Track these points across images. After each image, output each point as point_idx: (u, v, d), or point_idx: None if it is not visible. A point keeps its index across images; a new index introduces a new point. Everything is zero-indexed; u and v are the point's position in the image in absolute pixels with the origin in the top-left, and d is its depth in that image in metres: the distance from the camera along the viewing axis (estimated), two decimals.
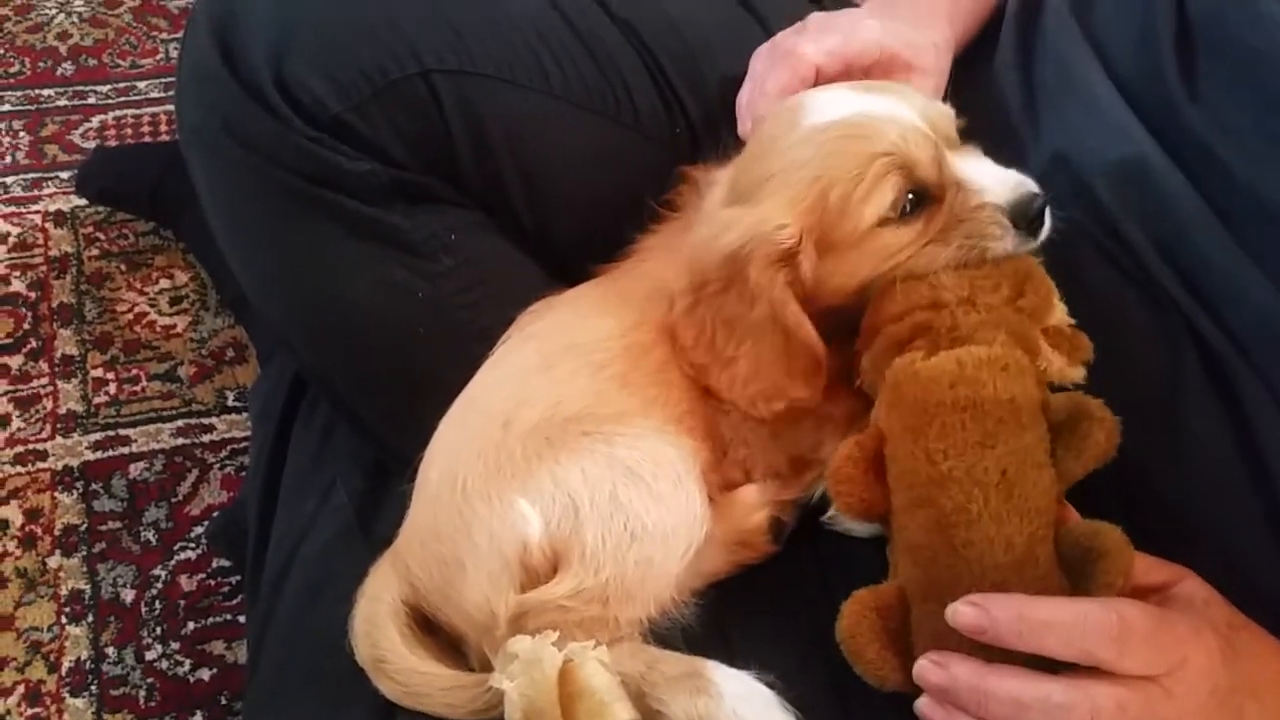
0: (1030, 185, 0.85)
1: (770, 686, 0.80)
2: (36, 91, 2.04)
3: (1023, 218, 0.84)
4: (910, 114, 0.85)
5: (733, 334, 0.87)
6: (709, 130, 1.05)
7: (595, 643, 0.79)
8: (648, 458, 0.85)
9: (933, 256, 0.85)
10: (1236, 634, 0.76)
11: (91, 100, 2.04)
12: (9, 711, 1.26)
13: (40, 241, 1.77)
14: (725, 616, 0.88)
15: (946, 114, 0.89)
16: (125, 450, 1.52)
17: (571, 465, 0.84)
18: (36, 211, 1.82)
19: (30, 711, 1.27)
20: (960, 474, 0.76)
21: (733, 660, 0.82)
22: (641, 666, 0.80)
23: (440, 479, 0.89)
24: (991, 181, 0.85)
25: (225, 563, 1.40)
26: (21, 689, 1.29)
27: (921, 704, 0.76)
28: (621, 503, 0.83)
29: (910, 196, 0.85)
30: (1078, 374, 0.82)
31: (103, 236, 1.79)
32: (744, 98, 1.00)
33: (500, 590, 0.84)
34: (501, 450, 0.86)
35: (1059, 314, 0.84)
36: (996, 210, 0.84)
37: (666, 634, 0.86)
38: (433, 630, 0.89)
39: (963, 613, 0.73)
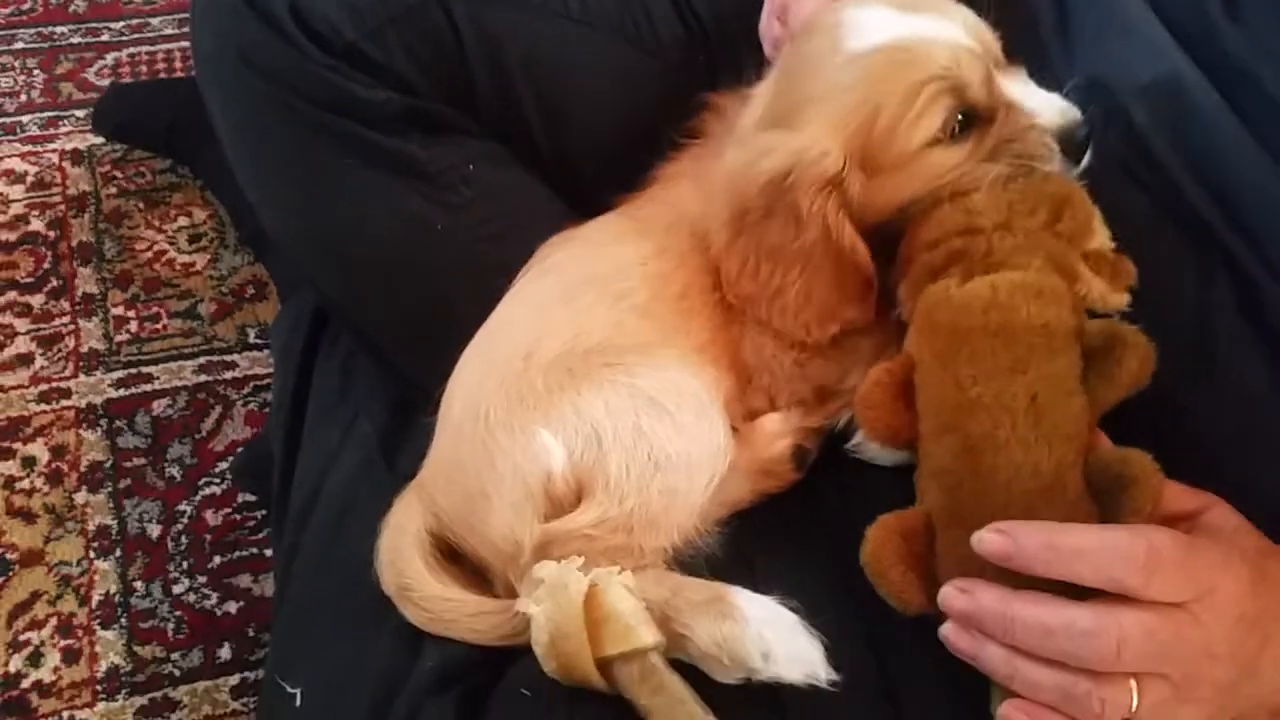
0: (1076, 112, 0.84)
1: (794, 611, 0.80)
2: (50, 29, 2.02)
3: (1070, 143, 0.84)
4: (960, 34, 0.84)
5: (779, 262, 0.86)
6: (730, 55, 1.03)
7: (620, 568, 0.79)
8: (671, 388, 0.85)
9: (982, 172, 0.84)
10: (1266, 561, 0.75)
11: (105, 37, 2.02)
12: (44, 643, 1.28)
13: (58, 180, 1.77)
14: (749, 545, 0.88)
15: (991, 33, 0.87)
16: (148, 388, 1.53)
17: (594, 396, 0.84)
18: (53, 150, 1.81)
19: (64, 643, 1.28)
20: (989, 400, 0.76)
21: (757, 588, 0.82)
22: (666, 593, 0.80)
23: (463, 411, 0.89)
24: (1042, 104, 0.84)
25: (250, 497, 1.41)
26: (54, 621, 1.30)
27: (947, 630, 0.76)
28: (644, 432, 0.83)
29: (960, 117, 0.83)
30: (1121, 300, 0.81)
31: (120, 174, 1.78)
32: (765, 25, 0.98)
33: (524, 520, 0.84)
34: (523, 381, 0.86)
35: (1101, 239, 0.82)
36: (1046, 133, 0.83)
37: (691, 562, 0.86)
38: (457, 560, 0.89)
39: (989, 540, 0.72)
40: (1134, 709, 0.70)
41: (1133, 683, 0.70)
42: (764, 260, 0.86)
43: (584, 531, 0.82)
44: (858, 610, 0.82)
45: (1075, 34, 0.98)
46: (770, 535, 0.89)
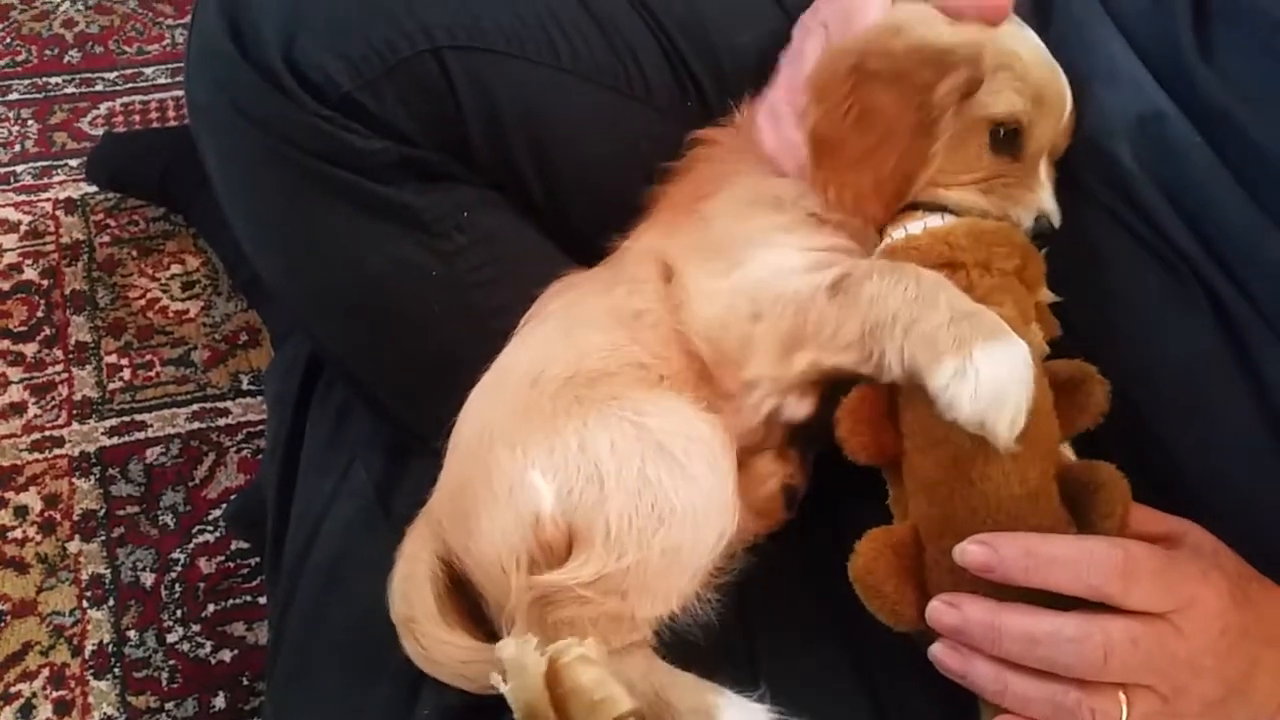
0: (1052, 220, 0.88)
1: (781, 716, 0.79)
2: (44, 80, 2.04)
3: (1038, 231, 0.88)
4: (1069, 104, 0.90)
5: (870, 123, 0.86)
6: (721, 101, 1.04)
7: (578, 640, 0.76)
8: (681, 433, 0.82)
9: (969, 199, 0.87)
10: (1248, 583, 0.77)
11: (99, 87, 2.04)
12: (35, 694, 1.27)
13: (52, 229, 1.78)
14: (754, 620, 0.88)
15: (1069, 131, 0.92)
16: (141, 435, 1.53)
17: (599, 431, 0.82)
18: (47, 199, 1.82)
19: (56, 694, 1.28)
20: None
21: (753, 658, 0.82)
22: (651, 693, 0.78)
23: (470, 435, 0.89)
24: (1049, 191, 0.89)
25: (243, 545, 1.41)
26: (46, 672, 1.30)
27: (936, 650, 0.76)
28: (650, 480, 0.80)
29: (1012, 131, 0.87)
30: (1044, 347, 0.84)
31: (114, 223, 1.79)
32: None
33: (511, 546, 0.82)
34: (530, 403, 0.85)
35: (1045, 290, 0.87)
36: (1037, 206, 0.88)
37: (687, 631, 0.84)
38: (464, 590, 0.88)
39: (971, 551, 0.73)
40: None
41: (1121, 694, 0.72)
42: (858, 114, 0.86)
43: (578, 592, 0.79)
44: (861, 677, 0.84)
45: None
46: (773, 612, 0.89)
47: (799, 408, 0.86)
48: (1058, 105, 0.89)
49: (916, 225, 0.86)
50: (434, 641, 0.85)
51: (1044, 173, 0.89)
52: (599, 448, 0.81)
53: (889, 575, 0.78)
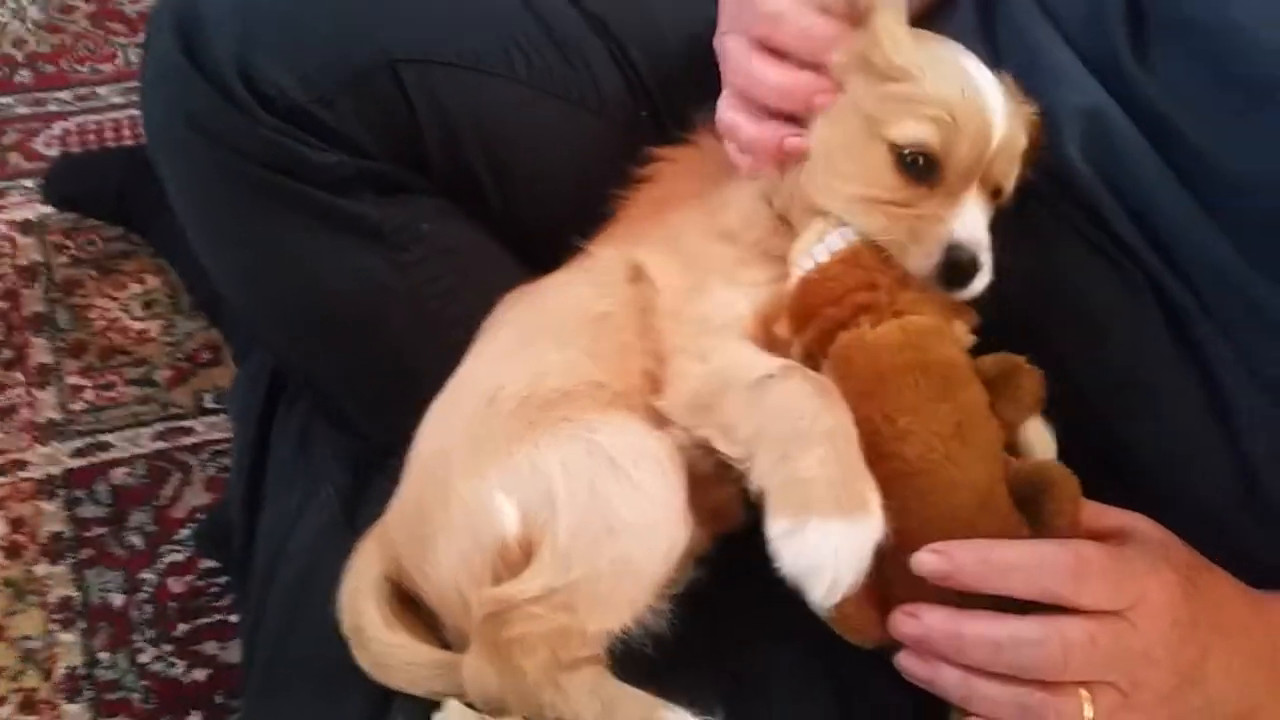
0: (980, 250, 0.84)
1: None
2: None
3: (952, 261, 0.83)
4: (1001, 126, 0.84)
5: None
6: (673, 112, 1.05)
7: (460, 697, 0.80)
8: (631, 447, 0.82)
9: (873, 223, 0.85)
10: (1198, 574, 0.78)
11: (52, 107, 2.02)
12: None
13: (9, 251, 1.76)
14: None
15: (1015, 158, 0.88)
16: (106, 456, 1.52)
17: (551, 452, 0.82)
18: (3, 220, 1.80)
19: None
20: (918, 428, 0.79)
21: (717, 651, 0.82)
22: (598, 707, 0.79)
23: (427, 456, 0.90)
24: (968, 221, 0.84)
25: (213, 564, 1.40)
26: (17, 698, 1.29)
27: (901, 658, 0.78)
28: (599, 494, 0.80)
29: (922, 160, 0.83)
30: (970, 338, 0.86)
31: (71, 243, 1.78)
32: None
33: (470, 571, 0.83)
34: (484, 428, 0.86)
35: None
36: (945, 237, 0.83)
37: (638, 645, 0.83)
38: (416, 607, 0.89)
39: (926, 560, 0.75)
40: (1088, 718, 0.73)
41: (1084, 692, 0.73)
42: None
43: (528, 608, 0.79)
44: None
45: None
46: (739, 609, 0.89)
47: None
48: (976, 132, 0.83)
49: (821, 250, 0.86)
50: (382, 646, 0.86)
51: (969, 200, 0.84)
52: (550, 468, 0.81)
53: (848, 596, 0.77)
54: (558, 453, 0.82)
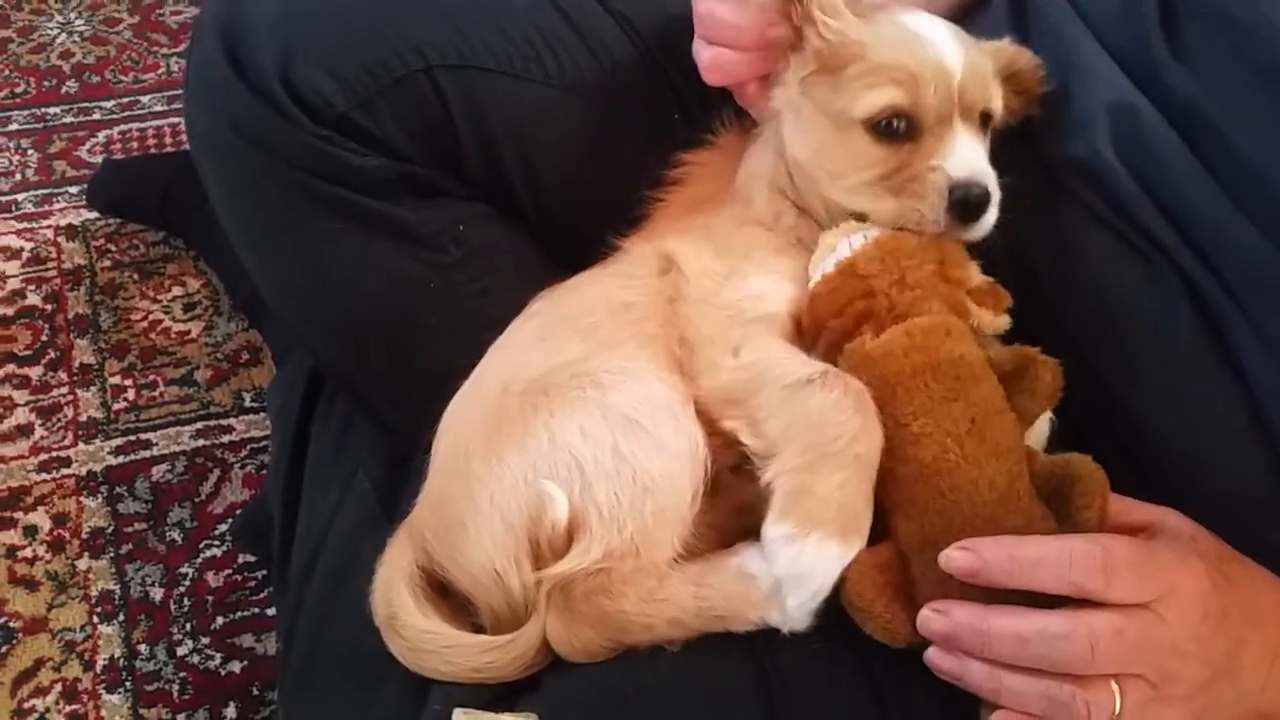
0: (985, 180, 0.87)
1: None
2: (43, 110, 2.07)
3: (960, 200, 0.87)
4: (957, 60, 0.88)
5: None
6: (704, 112, 1.07)
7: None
8: (642, 400, 0.85)
9: (880, 206, 0.89)
10: (1228, 566, 0.78)
11: (97, 116, 2.07)
12: (49, 709, 1.30)
13: (54, 255, 1.81)
14: None
15: (987, 81, 0.91)
16: (147, 454, 1.55)
17: (567, 419, 0.84)
18: (49, 226, 1.85)
19: (69, 708, 1.30)
20: (932, 429, 0.80)
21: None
22: (691, 587, 0.83)
23: (448, 447, 0.92)
24: (960, 158, 0.88)
25: (250, 558, 1.43)
26: (59, 688, 1.32)
27: (930, 654, 0.79)
28: (625, 455, 0.83)
29: (897, 122, 0.88)
30: (1004, 322, 0.87)
31: (114, 248, 1.82)
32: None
33: (503, 553, 0.85)
34: (500, 410, 0.88)
35: (976, 275, 0.89)
36: (943, 180, 0.87)
37: None
38: (449, 596, 0.91)
39: (955, 557, 0.76)
40: (1118, 710, 0.73)
41: (1114, 684, 0.73)
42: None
43: (597, 566, 0.82)
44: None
45: None
46: None
47: None
48: (934, 72, 0.87)
49: (830, 262, 0.88)
50: (416, 633, 0.87)
51: (957, 136, 0.88)
52: (570, 437, 0.84)
53: (878, 595, 0.79)
54: (574, 419, 0.84)
